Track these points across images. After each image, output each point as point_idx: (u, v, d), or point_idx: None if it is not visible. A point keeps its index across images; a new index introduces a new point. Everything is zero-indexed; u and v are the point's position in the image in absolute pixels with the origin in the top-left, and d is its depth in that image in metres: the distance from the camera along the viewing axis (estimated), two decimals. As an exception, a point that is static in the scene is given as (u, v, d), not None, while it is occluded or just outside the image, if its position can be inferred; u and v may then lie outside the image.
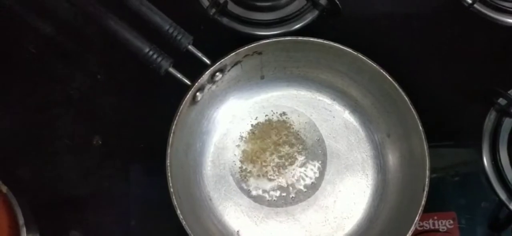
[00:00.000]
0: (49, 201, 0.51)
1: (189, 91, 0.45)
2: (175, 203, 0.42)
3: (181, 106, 0.45)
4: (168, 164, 0.43)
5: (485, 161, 0.50)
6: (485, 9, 0.54)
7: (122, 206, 0.50)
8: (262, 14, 0.53)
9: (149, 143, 0.52)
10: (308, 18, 0.53)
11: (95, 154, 0.52)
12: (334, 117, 0.52)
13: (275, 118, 0.52)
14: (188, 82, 0.45)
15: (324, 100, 0.53)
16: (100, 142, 0.52)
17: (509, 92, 0.51)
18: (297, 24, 0.53)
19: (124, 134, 0.53)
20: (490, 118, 0.52)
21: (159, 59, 0.44)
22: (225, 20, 0.53)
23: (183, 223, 0.42)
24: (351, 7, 0.53)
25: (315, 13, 0.53)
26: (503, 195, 0.49)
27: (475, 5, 0.54)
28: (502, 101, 0.51)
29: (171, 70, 0.45)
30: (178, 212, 0.42)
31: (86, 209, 0.51)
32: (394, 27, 0.57)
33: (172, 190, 0.42)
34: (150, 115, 0.53)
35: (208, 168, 0.50)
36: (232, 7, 0.53)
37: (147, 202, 0.50)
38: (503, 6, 0.54)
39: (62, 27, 0.55)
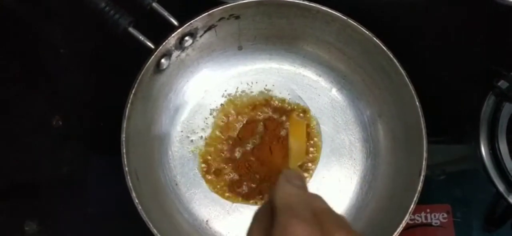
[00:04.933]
0: (3, 188, 0.48)
1: (152, 55, 0.41)
2: (130, 185, 0.38)
3: (142, 72, 0.40)
4: (123, 139, 0.39)
5: (483, 150, 0.49)
6: (485, -14, 0.53)
7: (82, 193, 0.47)
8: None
9: (111, 123, 0.47)
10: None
11: (55, 136, 0.48)
12: (319, 95, 0.49)
13: (253, 94, 0.49)
14: (151, 45, 0.41)
15: (309, 76, 0.49)
16: (60, 123, 0.49)
17: (511, 74, 0.49)
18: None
19: (87, 114, 0.50)
20: (489, 104, 0.50)
21: (117, 16, 0.39)
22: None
23: (139, 208, 0.37)
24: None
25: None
26: (501, 187, 0.48)
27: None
28: (503, 84, 0.49)
29: (131, 30, 0.40)
30: (134, 195, 0.37)
31: (42, 196, 0.47)
32: (391, 3, 0.53)
33: (127, 169, 0.38)
34: (116, 93, 0.48)
35: (175, 148, 0.46)
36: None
37: (107, 189, 0.47)
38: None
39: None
